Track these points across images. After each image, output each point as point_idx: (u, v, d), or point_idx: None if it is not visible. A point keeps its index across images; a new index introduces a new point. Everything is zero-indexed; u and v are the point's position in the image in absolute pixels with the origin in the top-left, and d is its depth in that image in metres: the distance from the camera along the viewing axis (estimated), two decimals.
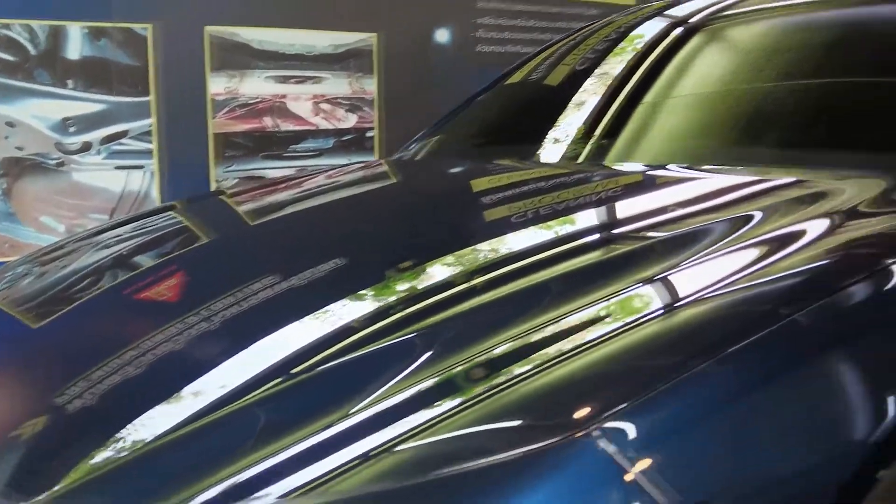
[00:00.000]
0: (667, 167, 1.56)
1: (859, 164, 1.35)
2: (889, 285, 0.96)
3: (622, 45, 2.01)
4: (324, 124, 3.54)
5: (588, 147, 1.69)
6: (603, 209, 1.41)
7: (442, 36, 3.85)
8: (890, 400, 0.86)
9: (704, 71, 1.85)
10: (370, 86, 3.63)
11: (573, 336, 0.89)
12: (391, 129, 3.63)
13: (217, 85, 3.29)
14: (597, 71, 1.94)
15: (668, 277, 1.01)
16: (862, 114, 1.51)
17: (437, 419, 0.80)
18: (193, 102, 3.23)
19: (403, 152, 2.18)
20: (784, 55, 1.75)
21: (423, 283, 1.15)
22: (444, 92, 3.48)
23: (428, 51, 3.81)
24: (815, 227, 1.12)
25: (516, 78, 2.27)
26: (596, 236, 1.27)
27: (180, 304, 1.27)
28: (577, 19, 3.96)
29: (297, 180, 2.02)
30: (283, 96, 3.43)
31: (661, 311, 0.93)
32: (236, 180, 3.34)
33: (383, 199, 1.79)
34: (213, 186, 3.29)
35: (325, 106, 3.53)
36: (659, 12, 2.12)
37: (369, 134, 3.66)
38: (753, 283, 0.96)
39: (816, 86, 1.64)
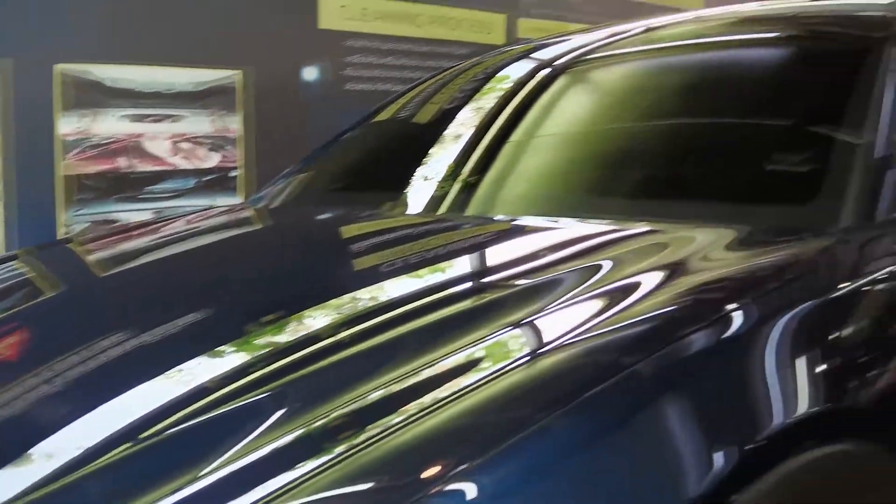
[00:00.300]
0: (525, 217, 1.57)
1: (716, 215, 1.38)
2: (727, 332, 0.98)
3: (488, 86, 2.02)
4: (183, 164, 3.44)
5: (449, 197, 1.68)
6: (459, 262, 1.40)
7: (310, 73, 3.82)
8: (725, 445, 0.87)
9: (568, 117, 1.86)
10: (234, 124, 3.56)
11: (427, 392, 0.87)
12: (260, 165, 3.57)
13: (67, 125, 3.15)
14: (460, 115, 1.93)
15: (519, 330, 1.00)
16: (720, 165, 1.55)
17: (292, 484, 0.76)
18: (41, 143, 3.08)
19: (265, 192, 2.14)
20: (645, 102, 1.79)
21: (279, 339, 1.11)
22: (312, 130, 3.45)
23: (295, 88, 3.77)
24: (664, 276, 1.14)
25: (381, 117, 2.26)
26: (448, 291, 1.25)
27: (19, 363, 1.19)
28: (447, 58, 4.01)
29: (151, 227, 1.95)
30: (140, 135, 3.31)
31: (511, 365, 0.92)
32: (87, 224, 3.21)
33: (242, 250, 1.74)
34: (61, 232, 3.15)
35: (184, 145, 3.43)
36: (525, 54, 2.14)
37: (233, 173, 3.58)
38: (598, 332, 0.97)
39: (677, 135, 1.67)
